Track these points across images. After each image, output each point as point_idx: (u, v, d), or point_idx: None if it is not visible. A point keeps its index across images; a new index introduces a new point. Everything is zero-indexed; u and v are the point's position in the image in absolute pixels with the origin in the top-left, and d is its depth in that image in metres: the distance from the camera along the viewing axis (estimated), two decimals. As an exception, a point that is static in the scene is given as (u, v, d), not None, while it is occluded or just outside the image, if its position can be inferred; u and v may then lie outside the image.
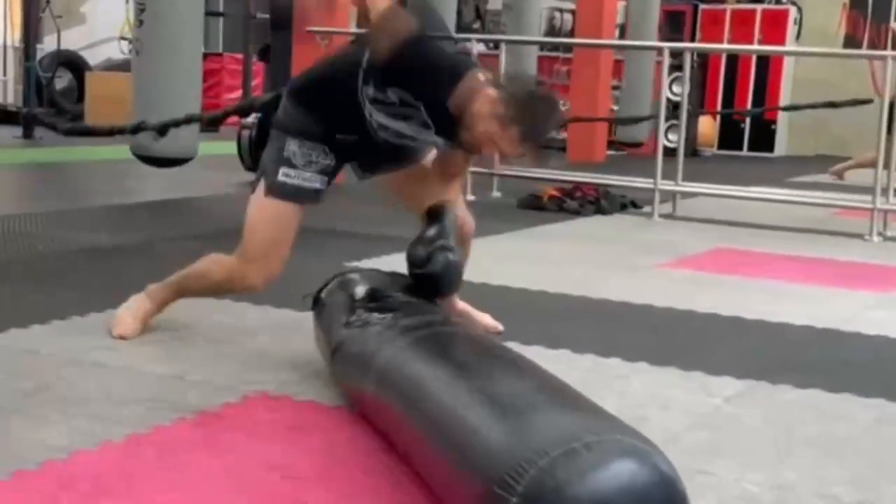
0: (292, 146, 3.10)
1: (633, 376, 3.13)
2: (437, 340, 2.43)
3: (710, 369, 3.22)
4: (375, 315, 2.70)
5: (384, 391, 2.38)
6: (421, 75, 2.95)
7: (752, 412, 2.84)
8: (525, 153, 2.96)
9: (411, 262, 2.96)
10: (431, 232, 2.98)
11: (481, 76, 2.93)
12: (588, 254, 5.38)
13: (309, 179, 3.11)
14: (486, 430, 1.94)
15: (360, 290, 2.90)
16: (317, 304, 3.05)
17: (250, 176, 8.50)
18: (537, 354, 3.29)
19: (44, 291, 3.97)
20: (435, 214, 3.03)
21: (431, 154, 3.30)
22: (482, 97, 2.86)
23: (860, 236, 6.38)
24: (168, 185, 7.47)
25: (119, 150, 10.18)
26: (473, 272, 3.45)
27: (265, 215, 3.15)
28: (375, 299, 2.82)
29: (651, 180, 6.99)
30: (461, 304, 3.62)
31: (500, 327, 3.61)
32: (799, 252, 5.71)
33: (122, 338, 3.29)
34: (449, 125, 2.94)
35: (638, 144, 12.65)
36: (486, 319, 3.62)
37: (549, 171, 7.53)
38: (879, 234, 6.36)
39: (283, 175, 3.10)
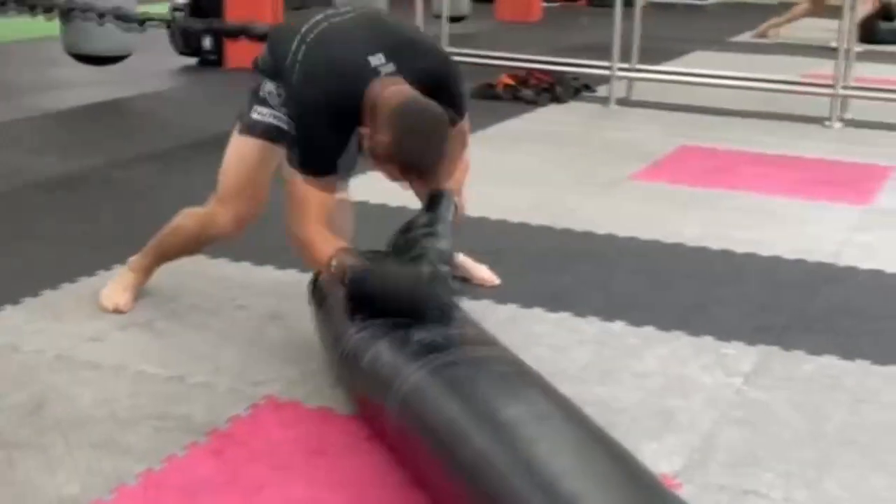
0: (269, 86, 2.95)
1: (644, 350, 3.03)
2: (468, 372, 2.26)
3: (718, 332, 3.14)
4: (388, 320, 2.53)
5: (412, 429, 2.23)
6: None
7: (775, 395, 2.77)
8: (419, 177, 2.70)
9: (393, 250, 2.75)
10: (421, 220, 2.78)
11: (387, 87, 2.65)
12: (557, 163, 5.23)
13: (282, 119, 2.94)
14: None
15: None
16: (315, 289, 2.89)
17: (184, 61, 8.18)
18: (539, 319, 3.24)
19: (2, 251, 3.73)
20: (432, 201, 2.83)
21: None
22: (366, 125, 2.65)
23: (820, 121, 6.30)
24: (99, 73, 7.06)
25: (37, 27, 9.66)
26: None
27: (237, 153, 3.04)
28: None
29: (607, 63, 6.80)
30: (458, 257, 3.48)
31: (497, 280, 3.49)
32: (763, 148, 5.61)
33: (117, 310, 3.17)
34: None
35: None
36: (482, 272, 3.50)
37: (502, 57, 7.28)
38: (840, 119, 6.28)
39: (257, 113, 2.98)
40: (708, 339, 3.11)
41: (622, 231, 4.09)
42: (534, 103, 6.62)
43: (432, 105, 2.64)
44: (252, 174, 3.01)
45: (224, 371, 2.83)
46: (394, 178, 2.70)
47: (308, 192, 2.73)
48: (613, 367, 2.92)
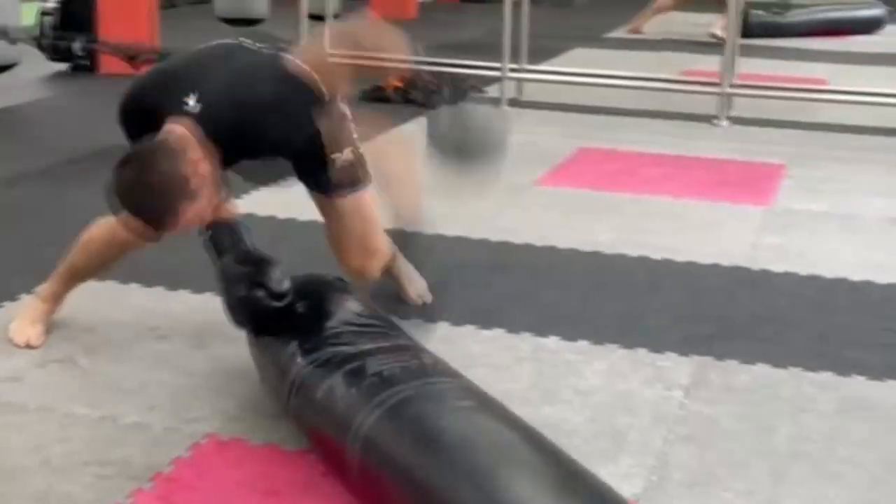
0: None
1: (581, 366, 3.01)
2: (431, 408, 2.20)
3: (651, 344, 3.15)
4: (339, 348, 2.46)
5: (375, 469, 2.16)
6: None
7: (718, 409, 2.78)
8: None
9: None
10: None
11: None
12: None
13: None
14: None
15: (308, 309, 2.66)
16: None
17: (55, 67, 7.85)
18: (473, 337, 3.20)
19: None
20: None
21: None
22: None
23: (708, 119, 6.38)
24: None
25: None
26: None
27: None
28: (330, 322, 2.59)
29: (496, 63, 6.78)
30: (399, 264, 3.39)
31: (429, 298, 3.42)
32: (659, 148, 5.65)
33: (28, 345, 3.02)
34: None
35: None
36: (416, 287, 3.40)
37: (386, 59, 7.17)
38: (727, 117, 6.38)
39: None
40: (642, 352, 3.11)
41: (538, 240, 4.07)
42: (424, 105, 6.55)
43: (165, 159, 2.52)
44: None
45: (157, 408, 2.71)
46: None
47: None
48: (556, 385, 2.89)
